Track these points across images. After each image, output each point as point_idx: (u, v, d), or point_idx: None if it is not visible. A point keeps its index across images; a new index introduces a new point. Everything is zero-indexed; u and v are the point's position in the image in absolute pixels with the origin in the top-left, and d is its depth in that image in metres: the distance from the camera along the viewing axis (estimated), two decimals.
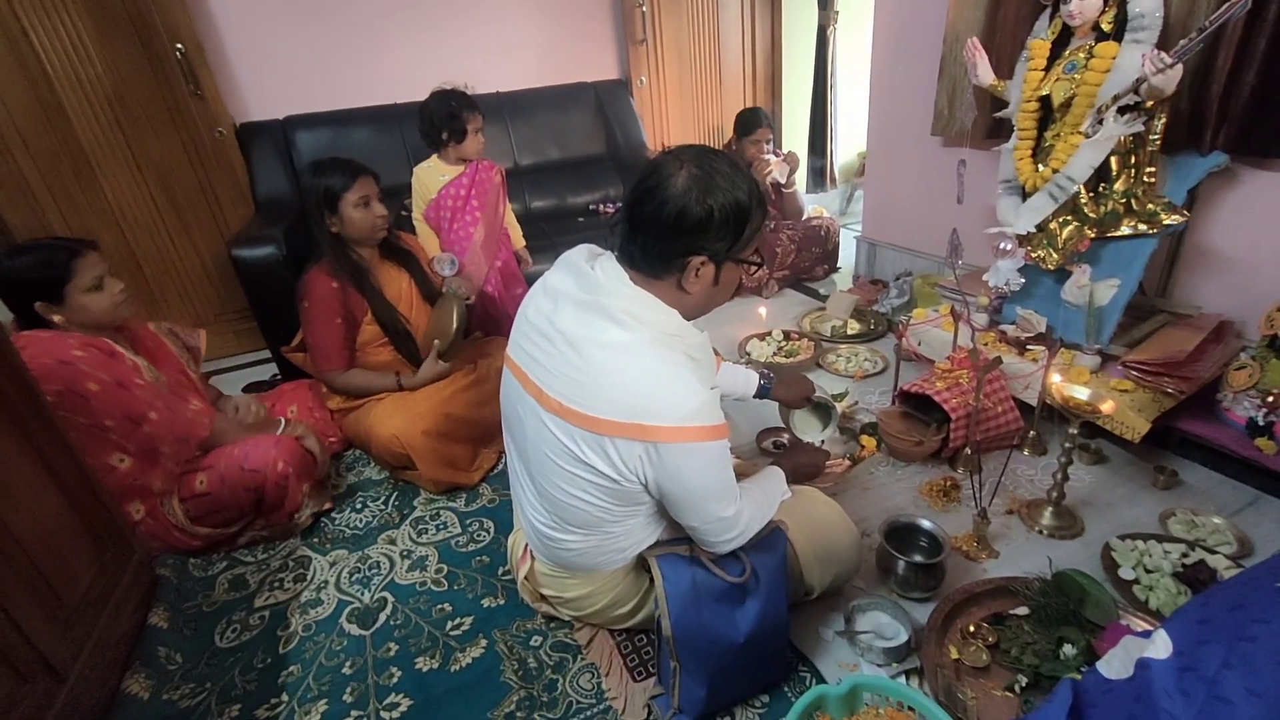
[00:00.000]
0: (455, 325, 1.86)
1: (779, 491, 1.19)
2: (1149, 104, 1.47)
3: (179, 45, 2.34)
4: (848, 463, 1.51)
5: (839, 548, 1.21)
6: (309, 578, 1.51)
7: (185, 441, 1.52)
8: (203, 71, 2.42)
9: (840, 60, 3.45)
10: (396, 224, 1.92)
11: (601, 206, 3.06)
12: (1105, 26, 1.53)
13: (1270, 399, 1.46)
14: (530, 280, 2.40)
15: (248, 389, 2.39)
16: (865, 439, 1.76)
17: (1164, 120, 1.52)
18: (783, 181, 2.78)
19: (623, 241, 0.98)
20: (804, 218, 2.95)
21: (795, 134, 3.69)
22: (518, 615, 1.35)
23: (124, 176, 2.43)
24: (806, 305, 2.76)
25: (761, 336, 2.37)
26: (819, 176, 3.70)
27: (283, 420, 1.74)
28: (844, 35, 3.40)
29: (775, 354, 2.29)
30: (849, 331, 2.43)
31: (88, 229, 2.40)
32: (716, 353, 2.09)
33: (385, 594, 1.45)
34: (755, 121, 2.73)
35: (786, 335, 2.37)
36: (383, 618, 1.38)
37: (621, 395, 0.91)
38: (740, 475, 1.11)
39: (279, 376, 2.36)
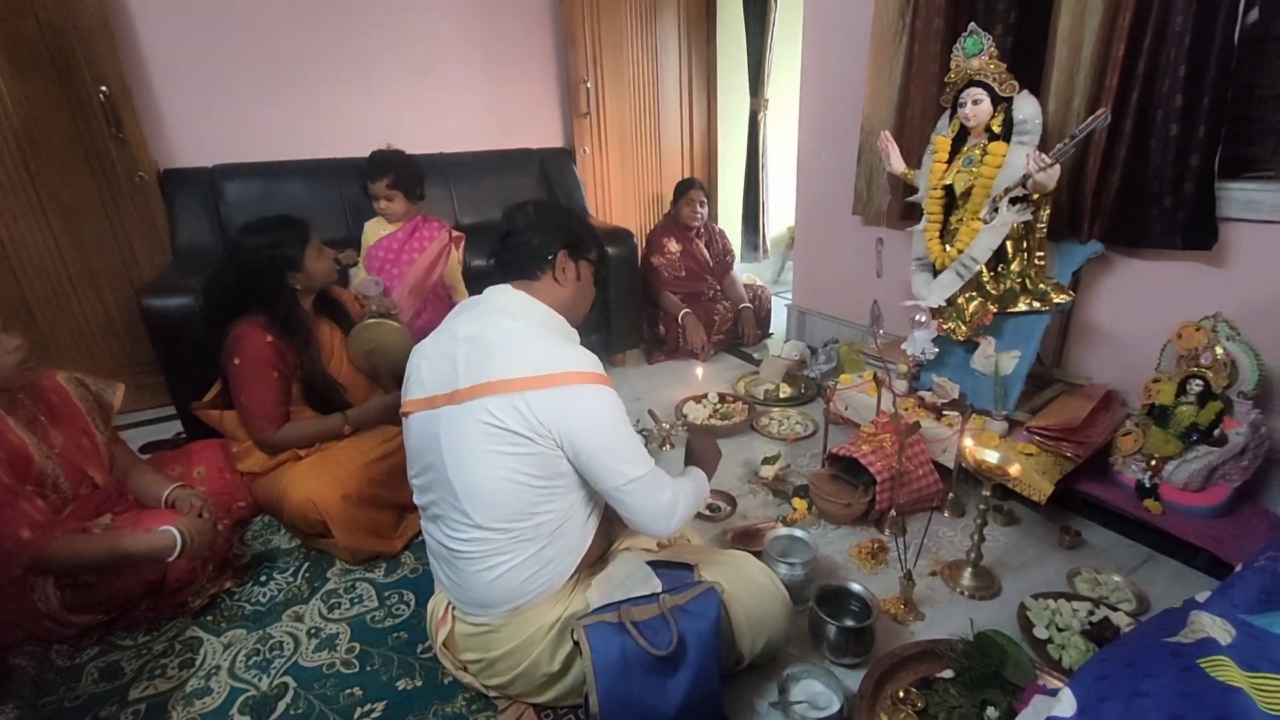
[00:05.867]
0: (403, 343, 1.78)
1: (704, 480, 1.31)
2: (1035, 196, 1.65)
3: (104, 87, 2.26)
4: (778, 524, 1.52)
5: (771, 613, 1.20)
6: (198, 662, 1.35)
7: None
8: (127, 115, 2.33)
9: (770, 142, 3.72)
10: None
11: None
12: (995, 128, 1.73)
13: (1154, 463, 1.60)
14: None
15: (146, 448, 2.19)
16: (797, 501, 1.79)
17: (1049, 211, 1.71)
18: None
19: (500, 266, 1.21)
20: (739, 291, 3.15)
21: (730, 207, 3.90)
22: (436, 698, 1.25)
23: (24, 216, 2.26)
24: (741, 369, 2.84)
25: (698, 399, 2.41)
26: (753, 248, 3.91)
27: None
28: (774, 120, 3.69)
29: (710, 416, 2.33)
30: (781, 395, 2.50)
31: None
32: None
33: (287, 679, 1.31)
34: (688, 185, 3.11)
35: (721, 398, 2.42)
36: (282, 706, 1.25)
37: (524, 359, 1.06)
38: None
39: (184, 435, 2.18)
